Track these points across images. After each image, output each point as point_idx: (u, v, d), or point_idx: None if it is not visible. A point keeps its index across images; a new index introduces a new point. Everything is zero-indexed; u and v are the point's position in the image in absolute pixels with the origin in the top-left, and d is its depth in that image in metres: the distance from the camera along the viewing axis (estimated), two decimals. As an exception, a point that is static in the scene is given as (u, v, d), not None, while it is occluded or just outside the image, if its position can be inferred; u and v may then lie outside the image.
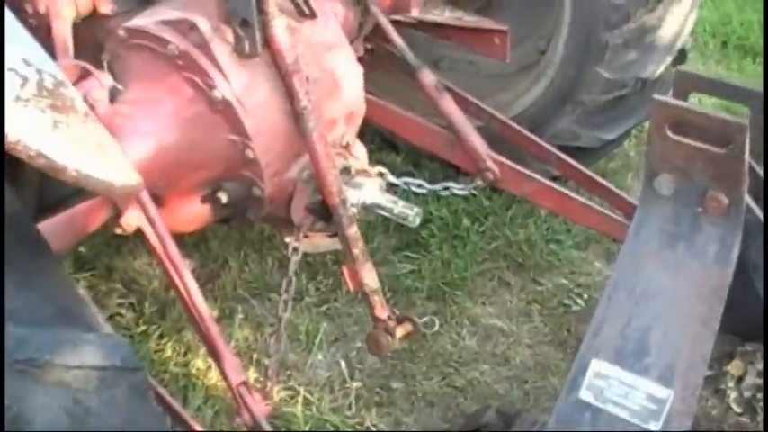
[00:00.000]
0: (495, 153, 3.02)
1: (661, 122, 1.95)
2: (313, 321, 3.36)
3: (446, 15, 3.24)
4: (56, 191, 2.27)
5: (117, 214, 2.26)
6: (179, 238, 2.43)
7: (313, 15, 2.45)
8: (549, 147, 3.10)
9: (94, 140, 1.42)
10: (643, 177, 2.10)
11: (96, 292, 3.40)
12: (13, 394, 1.29)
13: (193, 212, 2.53)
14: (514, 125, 3.18)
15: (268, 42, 2.29)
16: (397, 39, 3.02)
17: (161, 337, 3.26)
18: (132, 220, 2.26)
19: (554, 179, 3.13)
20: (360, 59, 2.79)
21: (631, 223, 2.11)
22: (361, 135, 2.75)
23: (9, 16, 1.50)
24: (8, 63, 1.33)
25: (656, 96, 1.95)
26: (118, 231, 2.32)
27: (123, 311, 3.34)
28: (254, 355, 3.21)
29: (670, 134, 1.96)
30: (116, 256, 3.54)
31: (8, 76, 1.31)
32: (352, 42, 2.86)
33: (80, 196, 2.21)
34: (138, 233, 2.31)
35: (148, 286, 3.44)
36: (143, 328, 3.27)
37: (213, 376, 3.08)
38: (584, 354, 1.96)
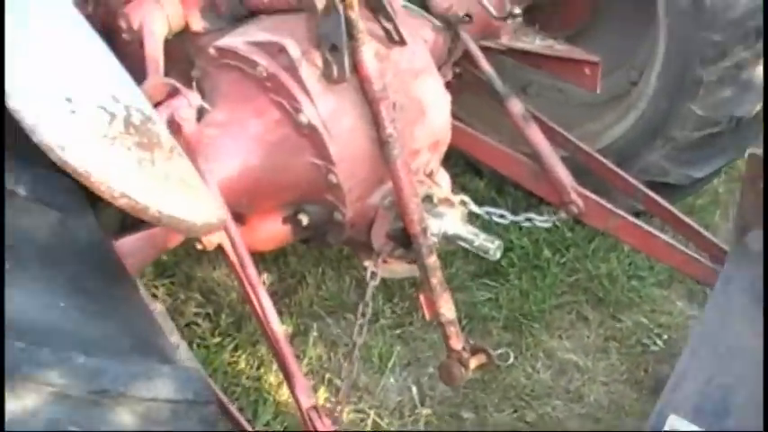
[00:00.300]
0: (580, 184, 2.98)
1: (755, 177, 1.89)
2: (387, 344, 3.34)
3: (536, 43, 3.20)
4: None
5: (198, 231, 2.27)
6: (258, 253, 2.43)
7: (402, 42, 2.43)
8: (635, 182, 3.04)
9: (179, 177, 1.43)
10: (733, 231, 2.04)
11: (174, 299, 3.45)
12: (85, 424, 1.30)
13: (274, 232, 2.54)
14: (600, 158, 3.12)
15: (356, 68, 2.29)
16: (486, 66, 2.99)
17: (236, 349, 3.28)
18: (213, 237, 2.27)
19: (638, 214, 3.06)
20: (447, 84, 2.76)
21: (719, 276, 2.05)
22: (446, 159, 2.73)
23: (101, 45, 1.51)
24: (97, 100, 1.34)
25: (751, 150, 1.89)
26: (198, 247, 2.34)
27: (200, 321, 3.37)
28: (327, 375, 3.21)
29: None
30: (196, 266, 3.57)
31: (97, 113, 1.32)
32: (440, 68, 2.84)
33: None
34: (219, 249, 2.32)
35: (226, 297, 3.46)
36: (218, 339, 3.29)
37: (284, 392, 3.08)
38: (662, 408, 1.91)
